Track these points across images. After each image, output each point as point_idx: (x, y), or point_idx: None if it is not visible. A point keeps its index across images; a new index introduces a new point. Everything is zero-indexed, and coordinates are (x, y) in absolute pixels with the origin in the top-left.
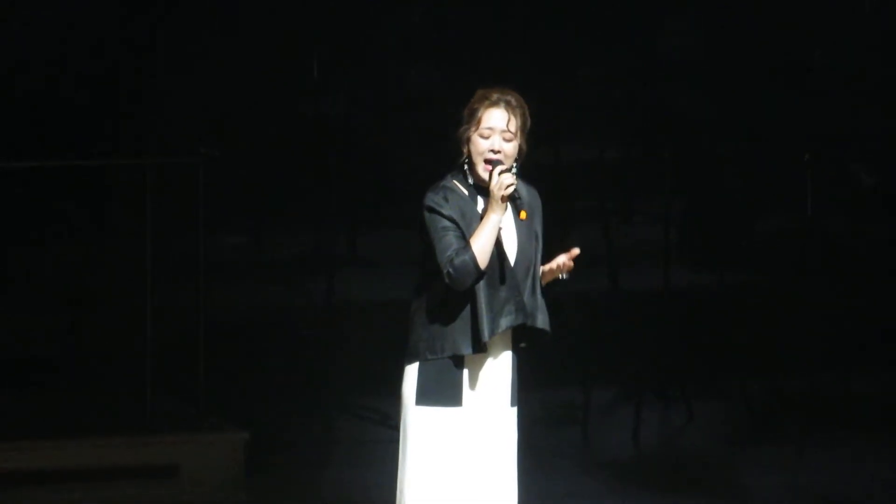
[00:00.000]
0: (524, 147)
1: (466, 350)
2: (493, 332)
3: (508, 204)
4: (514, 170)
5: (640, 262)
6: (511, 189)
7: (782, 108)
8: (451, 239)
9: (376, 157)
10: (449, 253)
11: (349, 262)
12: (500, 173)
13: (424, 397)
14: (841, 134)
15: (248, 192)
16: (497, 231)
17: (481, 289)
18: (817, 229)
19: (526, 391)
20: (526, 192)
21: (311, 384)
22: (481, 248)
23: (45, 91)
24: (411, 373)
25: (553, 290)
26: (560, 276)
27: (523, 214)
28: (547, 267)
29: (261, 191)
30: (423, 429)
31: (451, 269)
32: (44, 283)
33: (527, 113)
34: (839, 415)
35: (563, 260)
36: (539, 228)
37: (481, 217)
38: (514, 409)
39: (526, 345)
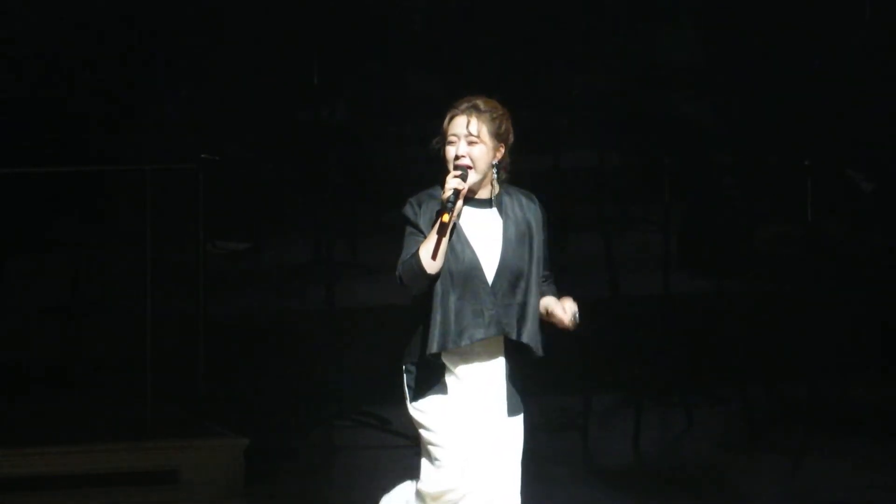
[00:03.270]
0: (502, 152)
1: (420, 358)
2: (449, 345)
3: (493, 211)
4: (500, 175)
5: (639, 269)
6: (448, 194)
7: (782, 114)
8: (411, 244)
9: (376, 164)
10: (402, 256)
11: (349, 268)
12: (453, 176)
13: (415, 394)
14: (840, 140)
15: (249, 198)
16: (443, 233)
17: (442, 299)
18: (817, 235)
19: (525, 397)
20: (525, 203)
21: (311, 390)
22: (426, 250)
23: (46, 96)
24: (404, 376)
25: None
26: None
27: (445, 217)
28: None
29: (261, 197)
30: (422, 419)
31: (399, 272)
32: (43, 289)
33: (502, 117)
34: (839, 421)
35: (559, 317)
36: (535, 242)
37: (443, 225)
38: (516, 418)
39: (520, 357)
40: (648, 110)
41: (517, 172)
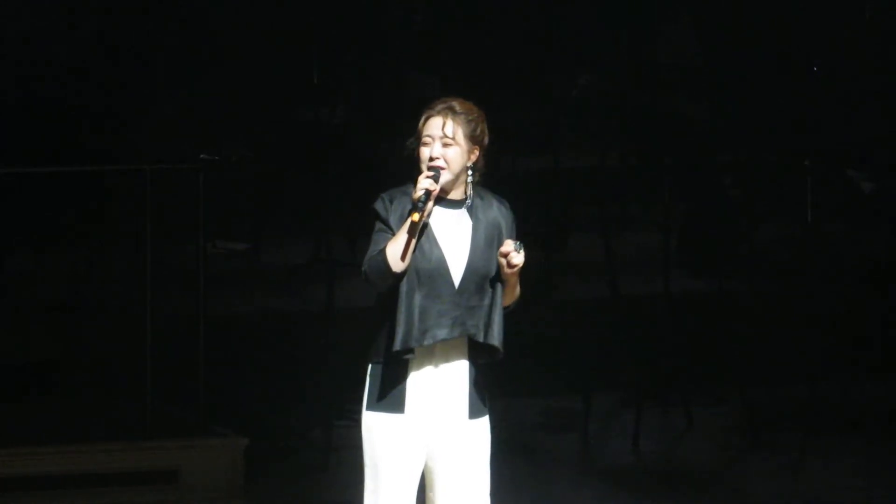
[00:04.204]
0: (476, 155)
1: (383, 359)
2: (412, 343)
3: (464, 212)
4: (474, 178)
5: (639, 269)
6: (419, 193)
7: (782, 114)
8: (380, 241)
9: (375, 164)
10: (370, 253)
11: (348, 268)
12: (426, 177)
13: (371, 402)
14: (840, 140)
15: (248, 199)
16: (412, 233)
17: (406, 297)
18: (817, 236)
19: (525, 397)
20: (496, 206)
21: (310, 390)
22: (393, 248)
23: (46, 96)
24: (367, 375)
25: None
26: (508, 266)
27: (415, 217)
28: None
29: (261, 197)
30: (369, 435)
31: (365, 268)
32: (43, 289)
33: (477, 120)
34: (839, 421)
35: (502, 261)
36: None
37: (412, 225)
38: (479, 420)
39: (482, 360)
40: (648, 110)
41: (518, 172)
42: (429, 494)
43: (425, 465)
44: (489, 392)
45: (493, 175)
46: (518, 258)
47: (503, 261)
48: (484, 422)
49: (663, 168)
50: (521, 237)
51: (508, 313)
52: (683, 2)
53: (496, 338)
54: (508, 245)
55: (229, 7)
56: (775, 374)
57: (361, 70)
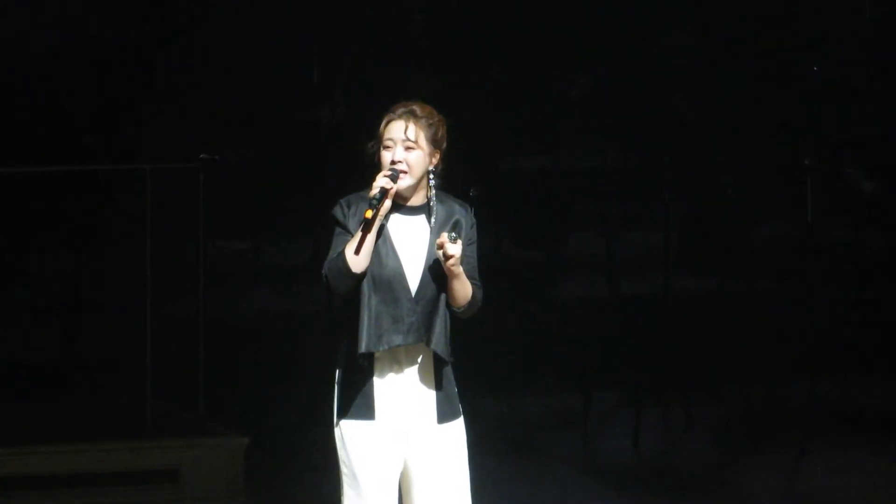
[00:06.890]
0: (437, 159)
1: (349, 365)
2: (373, 348)
3: (423, 219)
4: (434, 182)
5: (639, 268)
6: (374, 191)
7: (781, 113)
8: (339, 244)
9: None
10: (329, 256)
11: None
12: (383, 175)
13: (341, 410)
14: (840, 139)
15: (248, 198)
16: (366, 230)
17: (367, 303)
18: (817, 235)
19: (526, 396)
20: (458, 210)
21: (310, 390)
22: (351, 250)
23: (46, 96)
24: (335, 382)
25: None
26: (449, 262)
27: (368, 214)
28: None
29: (260, 196)
30: (341, 442)
31: (325, 271)
32: (43, 289)
33: (437, 124)
34: (838, 422)
35: (439, 253)
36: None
37: (366, 222)
38: (450, 424)
39: (444, 365)
40: (649, 109)
41: (518, 172)
42: (405, 499)
43: (401, 471)
44: (481, 391)
45: (492, 175)
46: (453, 248)
47: (440, 253)
48: (456, 425)
49: (663, 168)
50: (521, 239)
51: (466, 317)
52: (683, 2)
53: (434, 343)
54: (443, 236)
55: (229, 7)
56: (775, 374)
57: (361, 70)
